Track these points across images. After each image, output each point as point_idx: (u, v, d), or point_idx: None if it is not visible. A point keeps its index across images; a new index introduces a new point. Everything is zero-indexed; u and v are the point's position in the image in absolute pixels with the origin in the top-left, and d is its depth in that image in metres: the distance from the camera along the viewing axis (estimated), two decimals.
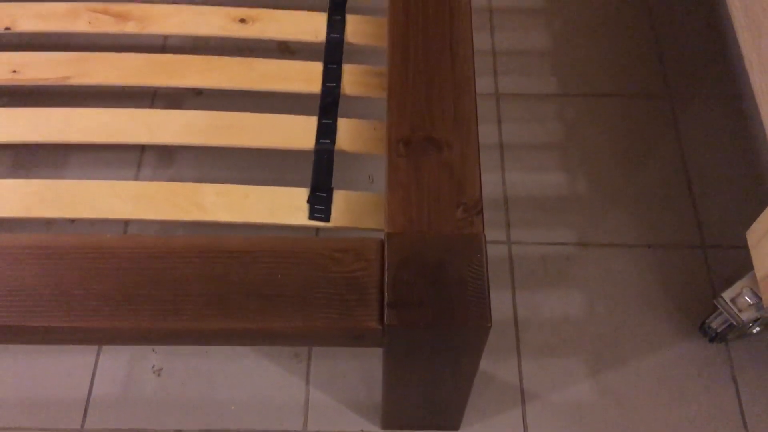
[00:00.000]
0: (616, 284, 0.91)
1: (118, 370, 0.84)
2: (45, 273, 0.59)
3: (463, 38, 0.74)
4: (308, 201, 0.69)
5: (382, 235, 0.63)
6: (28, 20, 0.80)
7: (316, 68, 0.78)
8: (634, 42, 1.11)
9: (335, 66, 0.78)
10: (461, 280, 0.59)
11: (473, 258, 0.60)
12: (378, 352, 0.86)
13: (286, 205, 0.69)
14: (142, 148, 0.98)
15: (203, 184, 0.69)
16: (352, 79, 0.78)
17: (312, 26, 0.81)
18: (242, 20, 0.81)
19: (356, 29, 0.81)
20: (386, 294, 0.58)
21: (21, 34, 0.79)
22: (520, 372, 0.85)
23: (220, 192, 0.69)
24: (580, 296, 0.90)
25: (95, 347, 0.85)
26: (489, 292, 0.59)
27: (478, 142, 0.68)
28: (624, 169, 1.00)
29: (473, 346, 0.60)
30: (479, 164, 0.66)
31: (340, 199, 0.70)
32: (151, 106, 0.99)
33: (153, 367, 0.84)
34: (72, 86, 0.76)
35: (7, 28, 0.79)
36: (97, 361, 0.85)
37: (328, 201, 0.69)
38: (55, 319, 0.57)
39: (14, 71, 0.76)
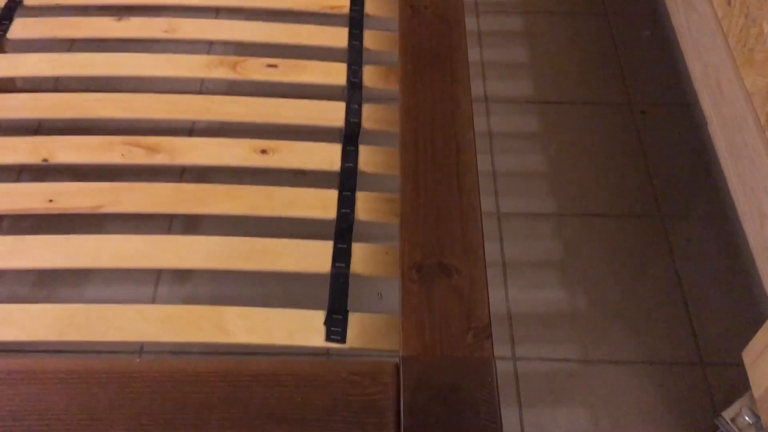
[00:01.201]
0: (620, 401, 0.93)
1: None
2: (74, 398, 0.62)
3: (469, 170, 0.80)
4: (325, 323, 0.73)
5: (396, 357, 0.66)
6: (65, 152, 0.86)
7: (332, 195, 0.84)
8: (626, 165, 1.19)
9: (349, 193, 0.84)
10: (474, 404, 0.62)
11: (484, 382, 0.63)
12: None
13: (304, 328, 0.72)
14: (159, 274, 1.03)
15: (226, 308, 0.73)
16: (365, 205, 0.83)
17: (328, 156, 0.88)
18: (263, 151, 0.87)
19: (368, 159, 0.88)
20: (402, 419, 0.61)
21: (58, 165, 0.85)
22: None
23: (242, 315, 0.73)
24: (584, 414, 0.92)
25: None
26: (501, 417, 0.61)
27: (485, 267, 0.72)
28: (622, 286, 1.04)
29: None
30: (487, 289, 0.71)
31: (355, 321, 0.73)
32: (169, 229, 1.04)
33: None
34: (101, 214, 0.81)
35: (44, 160, 0.85)
36: None
37: (344, 323, 0.73)
38: None
39: (50, 200, 0.81)
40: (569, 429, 0.91)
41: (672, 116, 1.25)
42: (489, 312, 0.69)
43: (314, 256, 0.78)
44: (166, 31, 1.00)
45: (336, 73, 0.96)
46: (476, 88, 1.27)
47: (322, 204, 0.83)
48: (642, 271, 1.06)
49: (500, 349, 0.98)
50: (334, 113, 0.92)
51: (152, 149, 0.86)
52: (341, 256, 0.79)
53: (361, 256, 0.79)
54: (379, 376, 0.65)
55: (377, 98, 0.95)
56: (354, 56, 0.98)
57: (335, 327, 0.73)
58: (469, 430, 0.61)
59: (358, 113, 0.92)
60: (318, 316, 0.73)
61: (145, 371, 0.64)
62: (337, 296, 0.75)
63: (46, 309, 0.72)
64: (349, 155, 0.88)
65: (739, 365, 0.81)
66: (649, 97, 1.28)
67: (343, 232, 0.81)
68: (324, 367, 0.65)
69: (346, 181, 0.85)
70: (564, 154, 1.20)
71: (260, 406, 0.62)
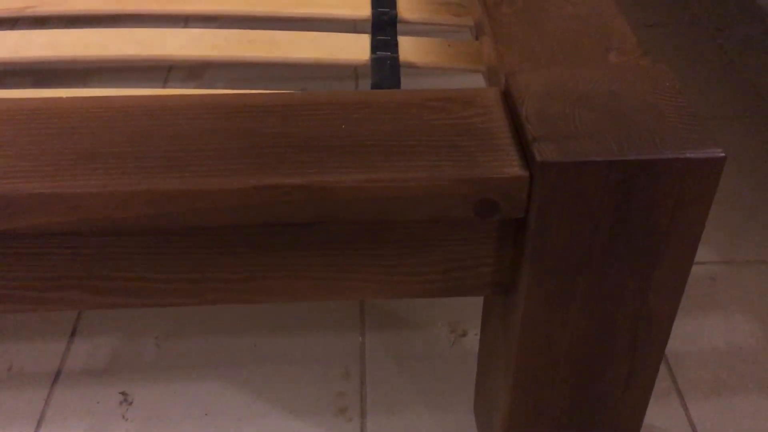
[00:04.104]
0: None
1: None
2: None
3: None
4: None
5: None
6: None
7: None
8: (719, 72, 0.96)
9: None
10: (653, 107, 0.35)
11: (661, 86, 0.37)
12: (462, 401, 0.58)
13: None
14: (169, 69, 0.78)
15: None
16: (410, 5, 0.59)
17: None
18: None
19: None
20: (529, 130, 0.34)
21: None
22: (689, 418, 0.56)
23: None
24: (743, 320, 0.63)
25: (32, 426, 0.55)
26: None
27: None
28: (751, 185, 0.78)
29: (695, 198, 0.34)
30: (624, 18, 0.45)
31: None
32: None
33: None
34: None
35: None
36: None
37: None
38: None
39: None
40: (728, 339, 0.62)
41: (750, 30, 1.05)
42: (634, 35, 0.43)
43: (348, 46, 0.53)
44: None
45: None
46: None
47: (351, 3, 0.59)
48: None
49: None
50: None
51: None
52: (384, 46, 0.54)
53: (412, 49, 0.54)
54: (475, 100, 0.38)
55: None
56: None
57: None
58: (655, 133, 0.33)
59: None
60: None
61: (81, 107, 0.37)
62: (384, 80, 0.50)
63: None
64: None
65: None
66: (717, 18, 1.08)
67: (381, 26, 0.56)
68: (382, 96, 0.39)
69: None
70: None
71: (281, 135, 0.35)
